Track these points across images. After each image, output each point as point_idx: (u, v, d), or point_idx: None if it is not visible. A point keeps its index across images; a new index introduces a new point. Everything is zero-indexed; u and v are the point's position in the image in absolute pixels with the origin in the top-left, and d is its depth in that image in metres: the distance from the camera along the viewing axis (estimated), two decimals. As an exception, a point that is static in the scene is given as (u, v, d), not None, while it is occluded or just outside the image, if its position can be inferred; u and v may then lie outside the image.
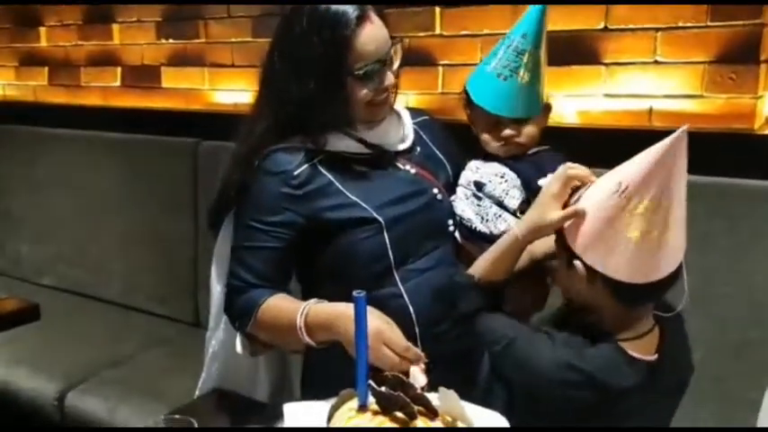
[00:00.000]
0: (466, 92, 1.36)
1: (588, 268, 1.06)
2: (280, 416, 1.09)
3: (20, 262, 2.97)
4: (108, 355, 2.25)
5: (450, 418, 0.92)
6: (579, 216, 1.07)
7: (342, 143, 1.32)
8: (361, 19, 1.23)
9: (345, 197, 1.28)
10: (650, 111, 1.81)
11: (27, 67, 3.22)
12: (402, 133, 1.39)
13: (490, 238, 1.23)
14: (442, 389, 0.92)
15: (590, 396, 1.06)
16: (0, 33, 3.25)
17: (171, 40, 2.71)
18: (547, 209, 1.11)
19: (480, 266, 1.18)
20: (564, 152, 1.28)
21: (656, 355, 1.09)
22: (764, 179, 1.61)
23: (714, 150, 1.66)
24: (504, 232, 1.24)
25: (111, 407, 1.99)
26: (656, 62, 1.77)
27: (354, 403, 0.94)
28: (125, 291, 2.65)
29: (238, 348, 1.35)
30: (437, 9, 2.07)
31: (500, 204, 1.31)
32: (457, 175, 1.40)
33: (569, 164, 1.13)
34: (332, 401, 0.98)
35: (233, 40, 2.52)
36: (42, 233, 2.91)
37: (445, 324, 1.23)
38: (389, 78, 1.28)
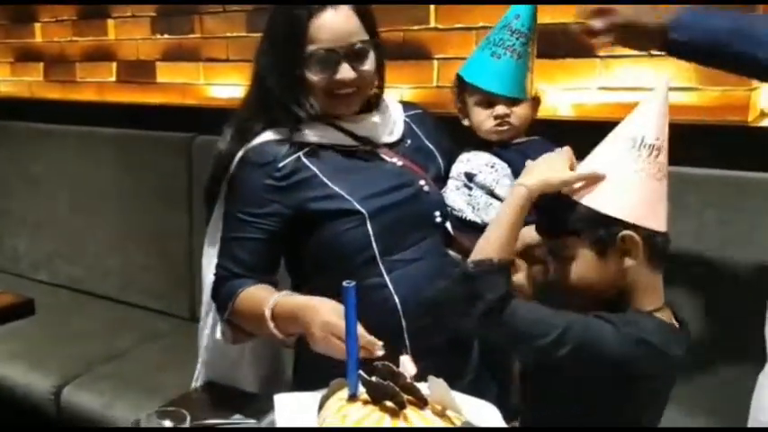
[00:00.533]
0: (458, 78, 1.38)
1: (644, 237, 1.04)
2: (271, 407, 1.09)
3: (16, 258, 2.97)
4: (104, 349, 2.24)
5: (439, 407, 0.92)
6: (598, 178, 1.04)
7: (327, 135, 1.33)
8: (324, 4, 1.25)
9: (329, 189, 1.29)
10: (645, 103, 1.81)
11: (22, 62, 3.21)
12: (390, 126, 1.40)
13: (481, 227, 1.24)
14: (431, 378, 0.93)
15: (660, 368, 1.06)
16: (-5, 29, 3.25)
17: (166, 36, 2.71)
18: (555, 165, 1.08)
19: (493, 241, 1.08)
20: (559, 145, 1.28)
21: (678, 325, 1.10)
22: (759, 171, 1.61)
23: (708, 142, 1.67)
24: None
25: (108, 402, 1.99)
26: (651, 55, 1.77)
27: (345, 393, 0.95)
28: (121, 286, 2.65)
29: (218, 335, 1.37)
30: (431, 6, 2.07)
31: (491, 194, 1.32)
32: (449, 168, 1.41)
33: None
34: (323, 392, 0.98)
35: (228, 34, 2.52)
36: (38, 229, 2.90)
37: (468, 321, 1.08)
38: (344, 71, 1.27)
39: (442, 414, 0.92)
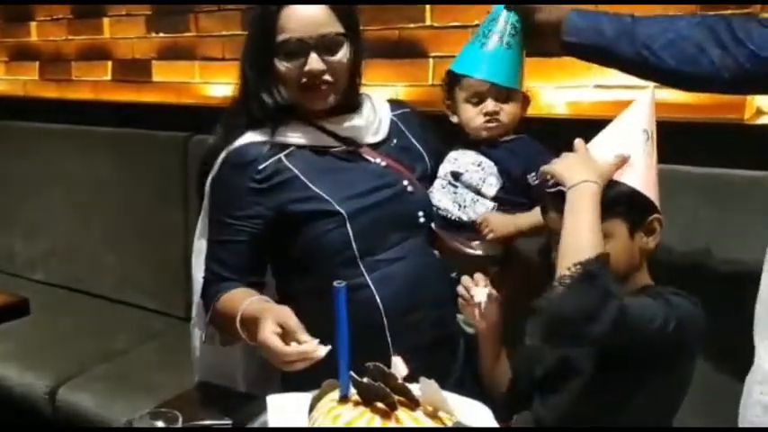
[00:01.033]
0: (448, 75, 1.38)
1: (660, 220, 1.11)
2: (264, 407, 1.09)
3: (12, 257, 2.96)
4: (100, 349, 2.24)
5: (431, 408, 0.91)
6: (627, 163, 1.10)
7: (309, 136, 1.33)
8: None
9: (310, 190, 1.30)
10: (641, 101, 1.80)
11: (17, 61, 3.21)
12: (375, 126, 1.39)
13: (468, 226, 1.23)
14: (422, 379, 0.92)
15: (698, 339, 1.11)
16: (-10, 28, 3.24)
17: (161, 34, 2.70)
18: (586, 156, 1.11)
19: (586, 238, 1.01)
20: (555, 143, 1.28)
21: None
22: (754, 169, 1.60)
23: (704, 140, 1.66)
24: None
25: (103, 402, 1.98)
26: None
27: (336, 394, 0.94)
28: (116, 285, 2.64)
29: (202, 337, 1.39)
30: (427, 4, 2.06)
31: (477, 192, 1.32)
32: (437, 168, 1.41)
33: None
34: (314, 393, 0.98)
35: (223, 33, 2.51)
36: (33, 228, 2.90)
37: (598, 326, 0.97)
38: (313, 62, 1.27)
39: (433, 415, 0.91)
